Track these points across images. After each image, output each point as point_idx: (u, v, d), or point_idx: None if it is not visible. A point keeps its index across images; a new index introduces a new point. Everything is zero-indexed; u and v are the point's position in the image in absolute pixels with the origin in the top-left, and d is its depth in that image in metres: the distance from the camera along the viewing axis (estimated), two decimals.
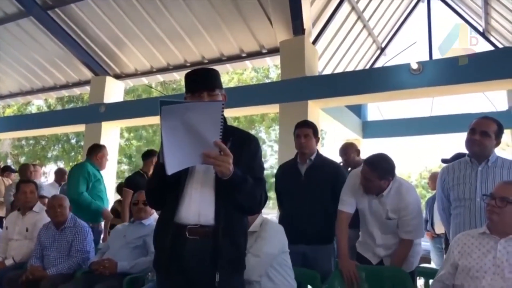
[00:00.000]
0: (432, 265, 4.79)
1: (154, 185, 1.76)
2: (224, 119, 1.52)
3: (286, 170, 3.23)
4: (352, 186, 2.70)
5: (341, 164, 4.03)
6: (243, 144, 1.74)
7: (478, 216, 2.39)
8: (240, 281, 1.78)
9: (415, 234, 2.54)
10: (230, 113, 7.92)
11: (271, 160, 16.66)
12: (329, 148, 12.97)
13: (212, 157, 1.51)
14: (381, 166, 2.54)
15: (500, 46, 8.41)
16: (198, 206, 1.66)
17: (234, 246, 1.69)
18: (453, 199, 2.55)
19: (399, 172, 2.66)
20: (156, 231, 1.79)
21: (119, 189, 5.22)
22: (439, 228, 4.44)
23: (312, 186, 2.96)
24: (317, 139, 3.12)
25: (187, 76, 1.77)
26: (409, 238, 2.53)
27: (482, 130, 2.42)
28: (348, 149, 4.24)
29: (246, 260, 2.29)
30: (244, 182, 1.63)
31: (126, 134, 15.08)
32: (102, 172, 4.53)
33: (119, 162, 14.24)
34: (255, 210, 1.78)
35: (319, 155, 3.09)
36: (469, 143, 2.48)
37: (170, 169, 1.52)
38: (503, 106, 8.50)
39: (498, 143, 2.46)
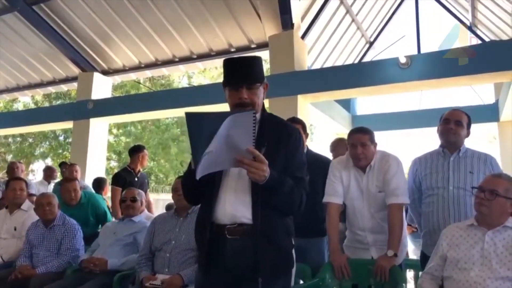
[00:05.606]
0: None
1: (189, 185, 1.71)
2: (257, 122, 1.48)
3: None
4: (338, 172, 2.66)
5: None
6: (280, 141, 1.66)
7: (452, 204, 2.47)
8: (286, 285, 1.71)
9: (401, 196, 2.49)
10: (219, 109, 7.88)
11: None
12: (319, 142, 13.01)
13: (246, 163, 1.47)
14: (368, 129, 2.61)
15: (487, 39, 8.50)
16: (233, 208, 1.61)
17: (274, 247, 1.62)
18: (426, 188, 2.62)
19: None
20: (196, 228, 1.76)
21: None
22: None
23: None
24: (306, 135, 3.12)
25: (226, 64, 1.67)
26: (396, 202, 2.47)
27: (457, 119, 2.53)
28: (337, 145, 4.24)
29: None
30: (281, 185, 1.57)
31: (114, 131, 14.97)
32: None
33: (108, 159, 14.14)
34: (293, 212, 1.70)
35: (309, 151, 3.09)
36: (444, 132, 2.56)
37: (200, 174, 1.48)
38: (490, 99, 8.61)
39: (468, 133, 2.57)
